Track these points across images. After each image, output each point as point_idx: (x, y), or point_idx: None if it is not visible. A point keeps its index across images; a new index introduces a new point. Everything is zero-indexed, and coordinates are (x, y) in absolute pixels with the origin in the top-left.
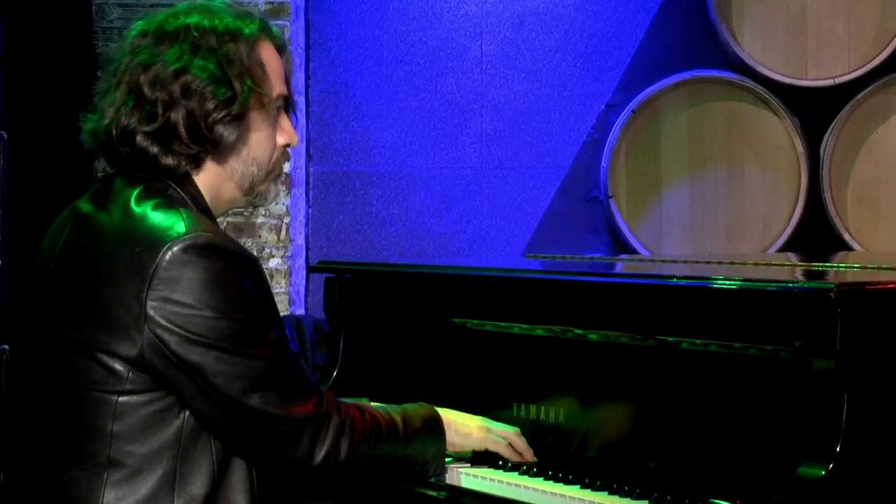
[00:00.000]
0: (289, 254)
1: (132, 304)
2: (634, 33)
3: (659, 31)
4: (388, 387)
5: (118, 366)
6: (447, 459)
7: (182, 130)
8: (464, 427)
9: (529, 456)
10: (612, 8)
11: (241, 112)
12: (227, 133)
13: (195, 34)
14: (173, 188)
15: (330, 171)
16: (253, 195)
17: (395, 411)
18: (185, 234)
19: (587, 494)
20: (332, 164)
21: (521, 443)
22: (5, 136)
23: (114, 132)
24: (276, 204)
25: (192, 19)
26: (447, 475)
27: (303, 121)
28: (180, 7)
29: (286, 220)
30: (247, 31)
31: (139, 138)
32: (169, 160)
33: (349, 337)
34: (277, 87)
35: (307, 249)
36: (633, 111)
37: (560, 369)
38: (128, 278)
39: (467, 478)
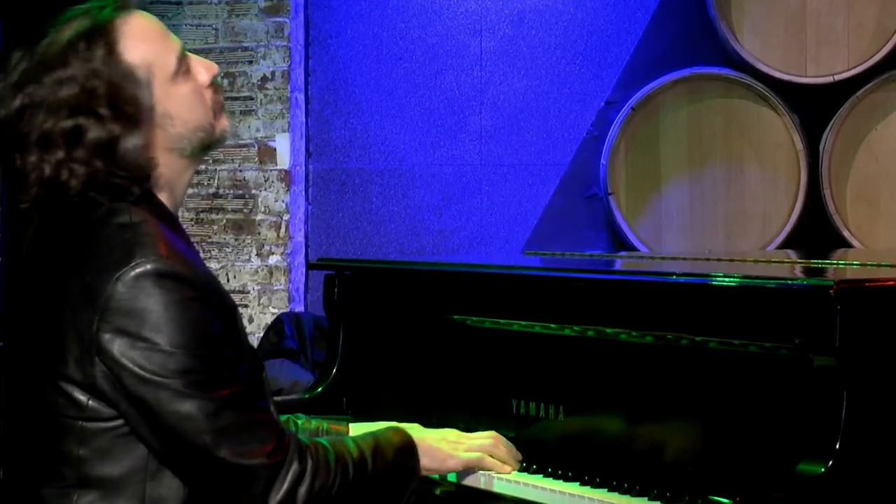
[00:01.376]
0: (288, 251)
1: (84, 335)
2: (634, 30)
3: (658, 28)
4: (388, 384)
5: (77, 394)
6: (434, 477)
7: (97, 172)
8: (439, 452)
9: (512, 460)
10: (611, 5)
11: (127, 122)
12: (129, 145)
13: (56, 71)
14: (130, 209)
15: (329, 168)
16: (214, 142)
17: (366, 444)
18: (135, 262)
19: (586, 491)
20: (331, 161)
21: (501, 451)
22: None
23: (49, 168)
24: (276, 201)
25: (50, 50)
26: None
27: (302, 118)
28: (44, 34)
29: (286, 217)
30: (102, 24)
31: (74, 165)
32: (104, 197)
33: (348, 334)
34: (168, 58)
35: (307, 246)
36: (632, 108)
37: (559, 366)
38: (80, 308)
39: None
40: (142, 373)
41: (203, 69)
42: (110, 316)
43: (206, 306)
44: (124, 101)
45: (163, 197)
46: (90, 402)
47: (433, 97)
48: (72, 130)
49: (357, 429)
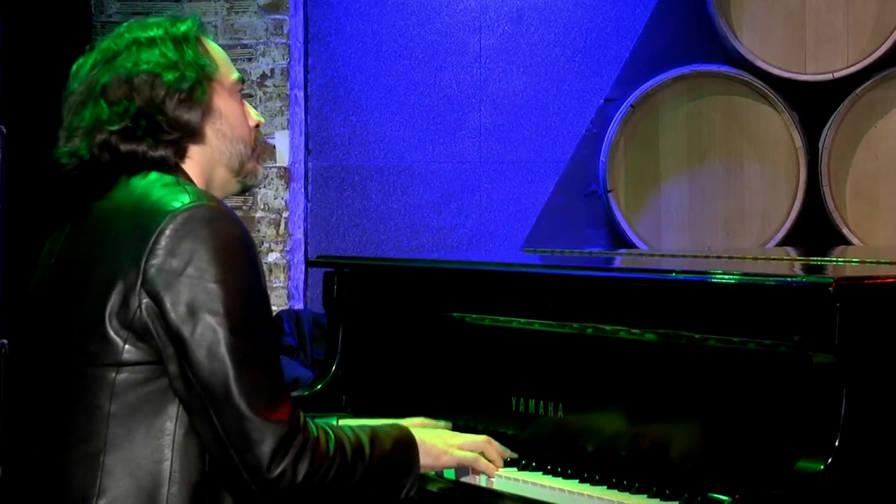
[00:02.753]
0: (287, 248)
1: (131, 268)
2: (633, 27)
3: (657, 25)
4: (387, 381)
5: (114, 335)
6: (430, 473)
7: (148, 121)
8: (434, 448)
9: (501, 462)
10: (610, 2)
11: (197, 92)
12: (188, 115)
13: (139, 41)
14: (178, 174)
15: (329, 165)
16: (243, 175)
17: (364, 433)
18: (189, 203)
19: (586, 489)
20: (330, 159)
21: (493, 452)
22: (4, 130)
23: (94, 149)
24: (275, 199)
25: (134, 33)
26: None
27: (301, 115)
28: (120, 29)
29: (285, 214)
30: (185, 28)
31: (119, 143)
32: (156, 153)
33: (348, 331)
34: (231, 74)
35: (306, 244)
36: (631, 105)
37: (559, 364)
38: (129, 244)
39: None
40: (184, 305)
41: (254, 112)
42: (159, 250)
43: (250, 257)
44: (200, 74)
45: None
46: (126, 343)
47: (432, 94)
48: (147, 81)
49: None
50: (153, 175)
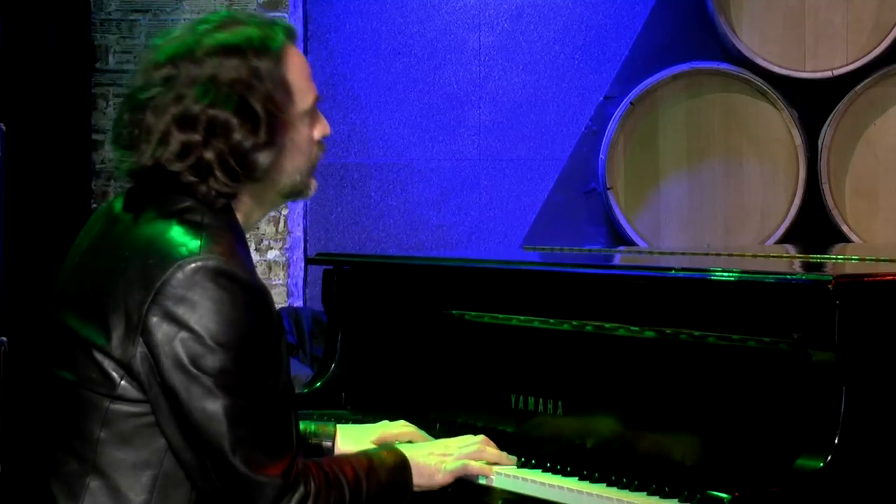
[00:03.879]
0: (287, 246)
1: (133, 313)
2: (632, 25)
3: (657, 22)
4: (387, 379)
5: (112, 371)
6: None
7: (216, 167)
8: (427, 468)
9: (501, 459)
10: (610, 0)
11: (270, 135)
12: (261, 159)
13: (221, 58)
14: (207, 213)
15: (328, 163)
16: (295, 193)
17: (360, 465)
18: (198, 254)
19: (585, 486)
20: (330, 156)
21: (489, 455)
22: (3, 128)
23: (150, 167)
24: None
25: (218, 38)
26: None
27: None
28: (206, 23)
29: (284, 211)
30: (273, 45)
31: (177, 171)
32: (204, 189)
33: (347, 329)
34: (308, 97)
35: (305, 241)
36: (631, 103)
37: (558, 361)
38: (135, 287)
39: None
40: (180, 361)
41: (321, 122)
42: (162, 300)
43: (256, 313)
44: (276, 111)
45: (239, 217)
46: (122, 381)
47: (432, 92)
48: (222, 122)
49: (344, 431)
50: (178, 205)
